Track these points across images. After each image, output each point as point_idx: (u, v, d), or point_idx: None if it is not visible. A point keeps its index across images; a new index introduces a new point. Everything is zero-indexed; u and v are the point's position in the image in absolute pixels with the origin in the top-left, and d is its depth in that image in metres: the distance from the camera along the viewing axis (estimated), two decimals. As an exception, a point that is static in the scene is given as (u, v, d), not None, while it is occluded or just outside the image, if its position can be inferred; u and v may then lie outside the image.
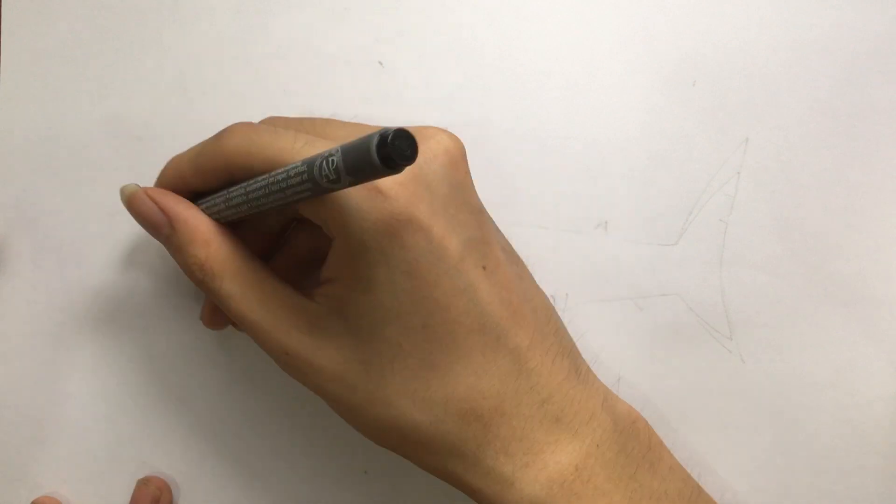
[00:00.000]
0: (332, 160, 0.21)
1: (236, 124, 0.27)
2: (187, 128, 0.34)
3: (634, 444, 0.27)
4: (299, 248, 0.31)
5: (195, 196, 0.29)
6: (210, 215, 0.28)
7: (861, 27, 0.34)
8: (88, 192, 0.34)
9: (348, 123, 0.28)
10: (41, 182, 0.34)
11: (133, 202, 0.28)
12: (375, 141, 0.20)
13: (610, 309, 0.34)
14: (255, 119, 0.34)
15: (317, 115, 0.34)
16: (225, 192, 0.27)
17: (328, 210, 0.25)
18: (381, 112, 0.33)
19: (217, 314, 0.31)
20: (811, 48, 0.34)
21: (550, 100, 0.34)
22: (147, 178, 0.34)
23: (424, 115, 0.34)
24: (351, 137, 0.25)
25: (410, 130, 0.20)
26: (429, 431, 0.25)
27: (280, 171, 0.24)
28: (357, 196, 0.24)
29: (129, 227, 0.34)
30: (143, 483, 0.33)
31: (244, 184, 0.26)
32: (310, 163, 0.22)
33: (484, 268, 0.25)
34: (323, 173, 0.21)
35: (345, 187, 0.22)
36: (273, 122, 0.29)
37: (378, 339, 0.25)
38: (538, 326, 0.27)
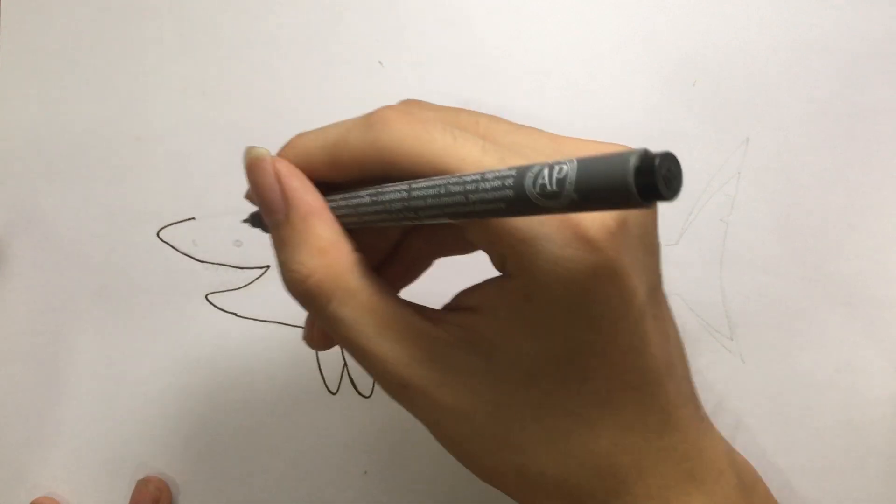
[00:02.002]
0: (561, 168, 0.16)
1: (388, 111, 0.22)
2: (187, 128, 0.34)
3: (758, 499, 0.26)
4: (411, 249, 0.27)
5: (325, 188, 0.23)
6: (340, 215, 0.23)
7: (861, 27, 0.34)
8: (88, 192, 0.34)
9: (517, 127, 0.23)
10: (41, 182, 0.34)
11: (255, 169, 0.23)
12: (634, 163, 0.15)
13: (610, 309, 0.34)
14: (255, 120, 0.34)
15: (318, 113, 0.34)
16: (375, 187, 0.22)
17: (512, 243, 0.20)
18: (381, 112, 0.33)
19: (328, 336, 0.26)
20: (811, 48, 0.34)
21: (550, 100, 0.34)
22: (146, 178, 0.34)
23: (424, 115, 0.34)
24: (531, 150, 0.21)
25: (600, 149, 0.16)
26: (556, 482, 0.23)
27: (473, 174, 0.19)
28: (558, 238, 0.20)
29: (130, 227, 0.34)
30: (143, 483, 0.33)
31: (409, 182, 0.21)
32: (521, 169, 0.17)
33: (655, 317, 0.22)
34: (539, 182, 0.17)
35: (560, 210, 0.17)
36: (419, 105, 0.24)
37: (528, 387, 0.22)
38: (682, 376, 0.24)
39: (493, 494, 0.34)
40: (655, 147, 0.16)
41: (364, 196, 0.22)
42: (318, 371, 0.34)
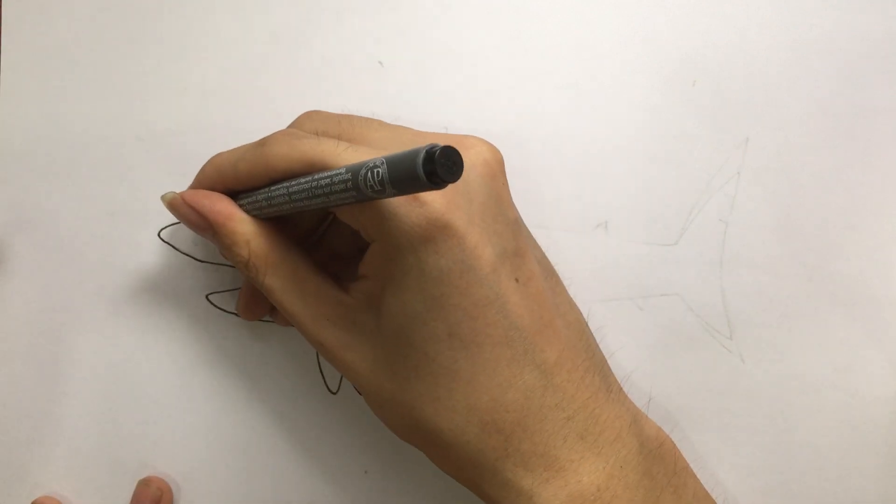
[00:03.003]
0: (378, 171, 0.21)
1: (278, 132, 0.28)
2: (187, 128, 0.34)
3: (660, 468, 0.27)
4: (336, 242, 0.32)
5: (234, 194, 0.29)
6: (249, 212, 0.29)
7: (861, 27, 0.34)
8: (88, 192, 0.34)
9: (388, 125, 0.28)
10: (41, 182, 0.34)
11: (173, 209, 0.29)
12: (422, 156, 0.20)
13: (610, 309, 0.34)
14: (255, 120, 0.34)
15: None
16: (267, 190, 0.27)
17: (366, 214, 0.25)
18: (381, 112, 0.33)
19: (254, 304, 0.31)
20: (811, 48, 0.34)
21: (550, 100, 0.34)
22: (146, 178, 0.34)
23: (424, 116, 0.34)
24: (391, 142, 0.26)
25: (452, 141, 0.20)
26: (449, 439, 0.25)
27: (324, 175, 0.24)
28: (395, 201, 0.24)
29: (130, 227, 0.34)
30: (144, 483, 0.33)
31: (286, 184, 0.26)
32: (354, 171, 0.22)
33: (517, 280, 0.25)
34: (368, 183, 0.22)
35: (390, 196, 0.22)
36: (311, 118, 0.29)
37: (404, 343, 0.25)
38: (569, 342, 0.26)
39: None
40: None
41: (262, 199, 0.28)
42: (318, 371, 0.34)
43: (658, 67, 0.34)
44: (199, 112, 0.34)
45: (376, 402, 0.27)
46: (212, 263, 0.34)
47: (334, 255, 0.32)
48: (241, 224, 0.28)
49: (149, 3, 0.34)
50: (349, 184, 0.23)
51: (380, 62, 0.34)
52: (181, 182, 0.34)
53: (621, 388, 0.28)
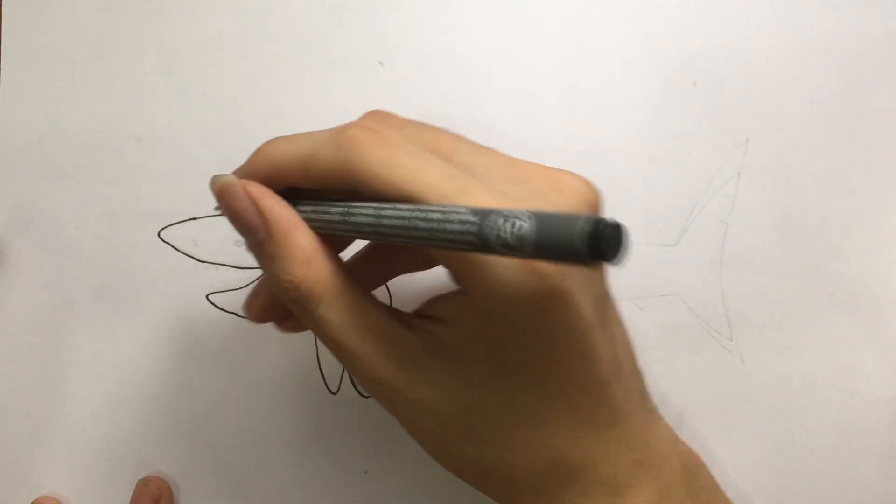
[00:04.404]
0: (520, 226, 0.18)
1: (359, 132, 0.23)
2: (187, 128, 0.34)
3: (699, 487, 0.27)
4: (377, 261, 0.29)
5: (292, 192, 0.25)
6: (309, 222, 0.24)
7: (861, 27, 0.34)
8: (88, 192, 0.34)
9: (480, 149, 0.24)
10: (41, 182, 0.34)
11: (226, 196, 0.24)
12: (587, 229, 0.17)
13: (610, 309, 0.34)
14: (255, 120, 0.34)
15: (318, 113, 0.34)
16: (345, 206, 0.23)
17: (471, 266, 0.22)
18: (381, 112, 0.34)
19: (270, 310, 0.28)
20: (811, 48, 0.34)
21: (550, 100, 0.34)
22: (146, 177, 0.34)
23: (424, 116, 0.34)
24: (494, 175, 0.23)
25: (551, 176, 0.19)
26: (515, 472, 0.25)
27: (435, 210, 0.20)
28: (508, 264, 0.21)
29: (130, 227, 0.34)
30: (144, 483, 0.33)
31: (376, 205, 0.22)
32: (483, 216, 0.19)
33: (603, 325, 0.24)
34: (501, 237, 0.18)
35: (516, 257, 0.19)
36: (384, 122, 0.25)
37: (490, 392, 0.24)
38: (630, 371, 0.26)
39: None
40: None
41: (334, 214, 0.23)
42: (318, 371, 0.34)
43: (658, 67, 0.34)
44: (199, 112, 0.34)
45: (437, 440, 0.25)
46: (212, 263, 0.34)
47: (371, 277, 0.29)
48: (304, 237, 0.24)
49: (149, 3, 0.34)
50: (472, 228, 0.19)
51: (380, 62, 0.34)
52: (181, 182, 0.34)
53: (655, 406, 0.28)
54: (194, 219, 0.34)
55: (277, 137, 0.25)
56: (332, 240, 0.25)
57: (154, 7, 0.34)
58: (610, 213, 0.34)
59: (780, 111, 0.34)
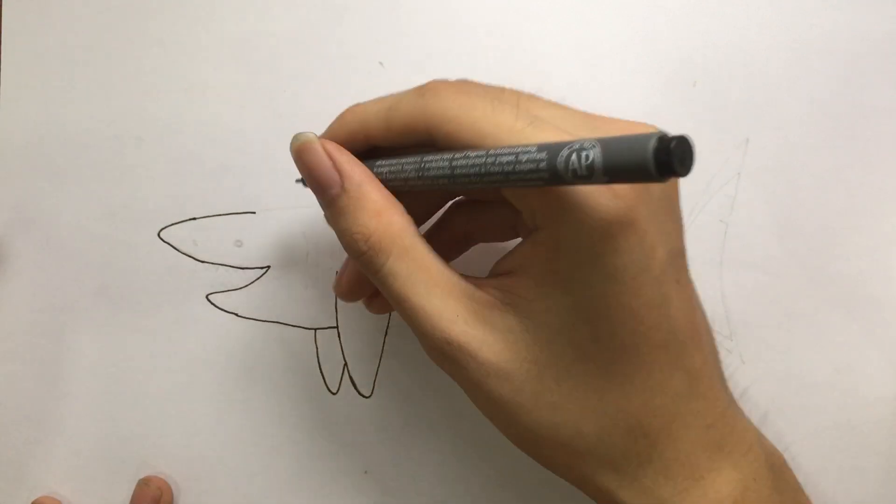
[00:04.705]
0: (588, 155, 0.18)
1: (439, 83, 0.25)
2: (187, 128, 0.34)
3: (785, 484, 0.26)
4: (453, 229, 0.29)
5: (366, 155, 0.26)
6: (386, 182, 0.25)
7: (861, 27, 0.34)
8: (88, 192, 0.34)
9: (552, 102, 0.25)
10: (41, 182, 0.34)
11: (305, 152, 0.25)
12: (654, 145, 0.17)
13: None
14: (255, 120, 0.34)
15: (318, 113, 0.34)
16: (418, 158, 0.24)
17: (543, 199, 0.22)
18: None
19: (357, 286, 0.28)
20: (811, 48, 0.34)
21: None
22: (146, 177, 0.34)
23: (424, 116, 0.34)
24: (567, 122, 0.23)
25: (628, 127, 0.19)
26: (591, 442, 0.24)
27: (505, 151, 0.21)
28: (586, 190, 0.21)
29: (130, 227, 0.34)
30: (144, 483, 0.33)
31: (448, 155, 0.23)
32: (552, 151, 0.19)
33: (678, 281, 0.24)
34: (571, 167, 0.19)
35: (591, 184, 0.20)
36: (470, 83, 0.26)
37: (561, 343, 0.23)
38: (710, 349, 0.25)
39: (493, 493, 0.34)
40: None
41: (410, 171, 0.24)
42: (318, 371, 0.34)
43: (658, 68, 0.34)
44: (199, 112, 0.34)
45: (508, 407, 0.24)
46: (212, 263, 0.34)
47: (446, 244, 0.30)
48: (375, 191, 0.25)
49: (149, 3, 0.34)
50: (542, 164, 0.20)
51: (380, 62, 0.34)
52: (181, 182, 0.34)
53: (736, 400, 0.27)
54: (194, 219, 0.34)
55: (357, 103, 0.27)
56: (417, 210, 0.26)
57: (154, 7, 0.34)
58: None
59: (780, 111, 0.34)
